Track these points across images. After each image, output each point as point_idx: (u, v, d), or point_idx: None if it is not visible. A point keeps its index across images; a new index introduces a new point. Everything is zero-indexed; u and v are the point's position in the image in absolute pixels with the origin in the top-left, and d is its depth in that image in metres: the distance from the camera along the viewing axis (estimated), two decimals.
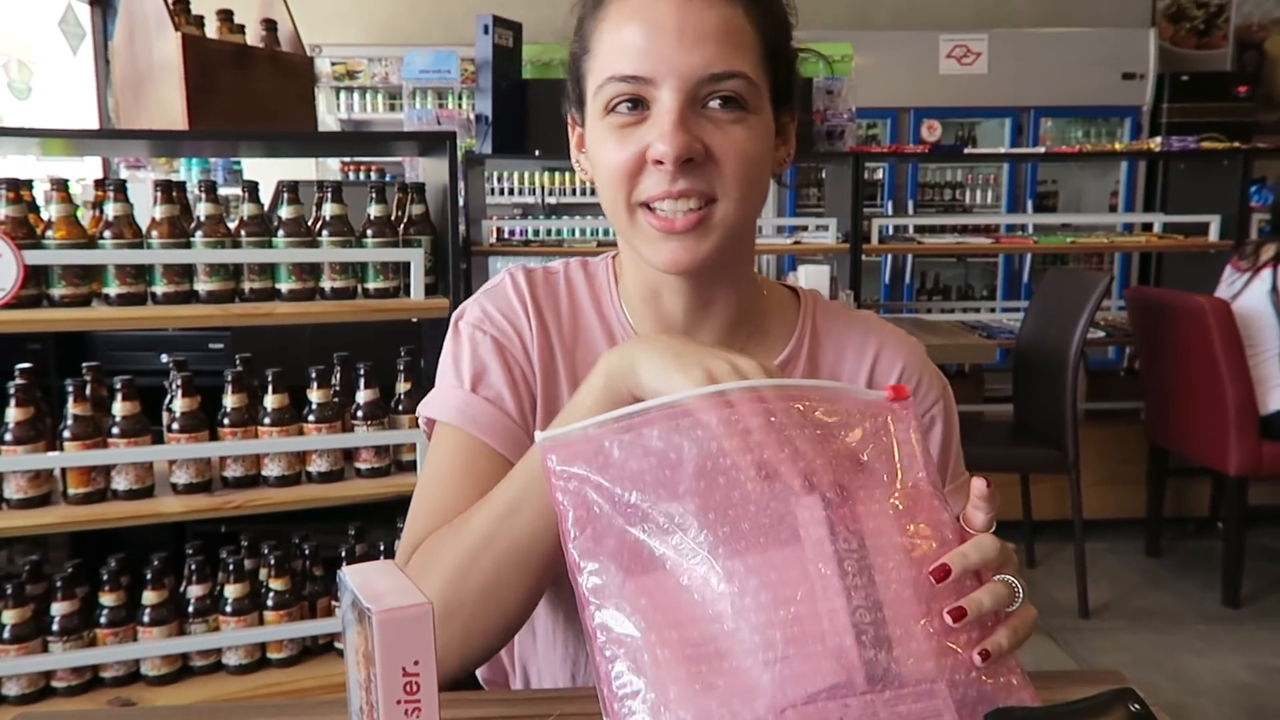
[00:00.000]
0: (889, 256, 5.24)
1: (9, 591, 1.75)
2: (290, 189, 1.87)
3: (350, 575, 0.60)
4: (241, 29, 2.02)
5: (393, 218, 1.98)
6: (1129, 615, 3.06)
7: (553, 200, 5.50)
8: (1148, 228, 3.91)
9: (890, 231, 3.82)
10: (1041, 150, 4.67)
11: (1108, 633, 2.93)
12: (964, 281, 5.90)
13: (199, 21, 1.94)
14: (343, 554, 2.02)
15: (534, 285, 0.90)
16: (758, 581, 0.57)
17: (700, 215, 0.77)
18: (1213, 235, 3.56)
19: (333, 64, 5.30)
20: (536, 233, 4.55)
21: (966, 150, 4.44)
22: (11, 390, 1.73)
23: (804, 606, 0.57)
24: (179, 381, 1.82)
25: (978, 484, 0.65)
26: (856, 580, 0.59)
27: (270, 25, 2.07)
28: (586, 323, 0.90)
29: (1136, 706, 0.58)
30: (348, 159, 5.03)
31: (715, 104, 0.76)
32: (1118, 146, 4.54)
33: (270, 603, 1.89)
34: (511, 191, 5.48)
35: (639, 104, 0.76)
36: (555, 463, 0.61)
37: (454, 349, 0.89)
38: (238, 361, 1.89)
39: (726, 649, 0.56)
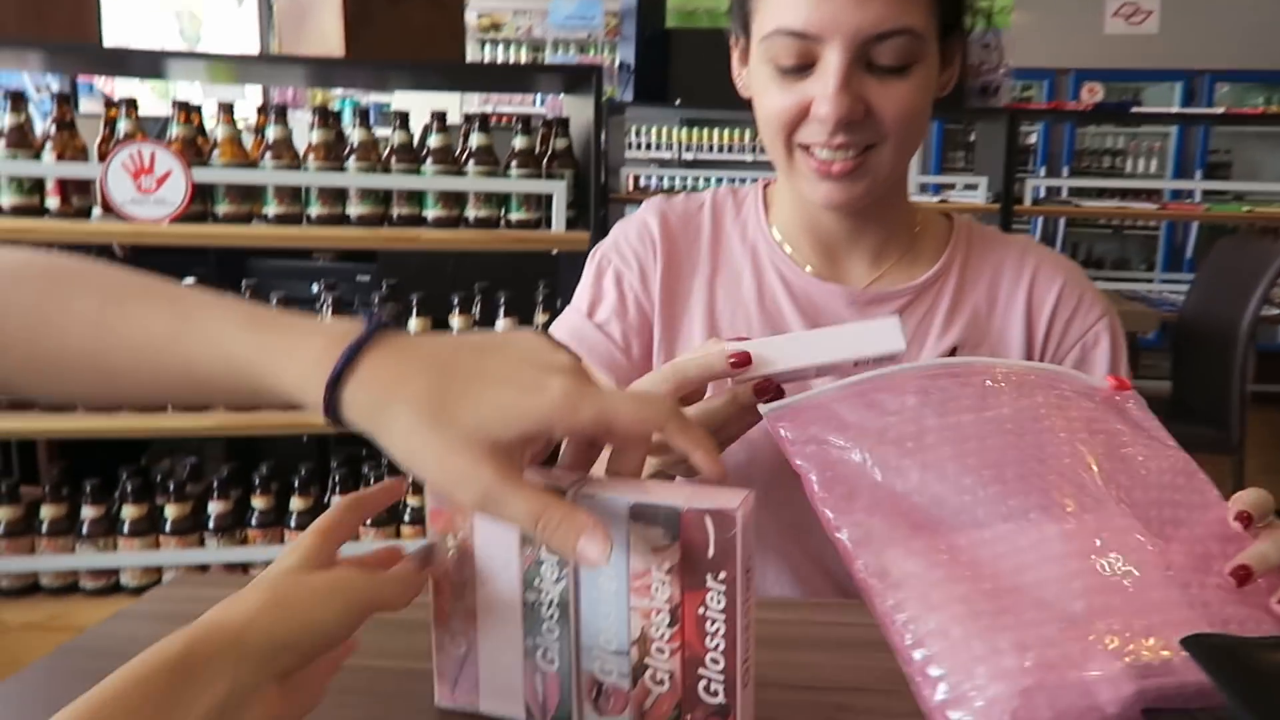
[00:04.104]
0: (1040, 223, 4.98)
1: (171, 489, 1.87)
2: (440, 118, 1.91)
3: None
4: None
5: (536, 151, 1.99)
6: None
7: (689, 156, 5.45)
8: None
9: (1044, 194, 3.62)
10: (1220, 111, 4.33)
11: None
12: (1120, 255, 5.57)
13: None
14: None
15: (668, 216, 0.93)
16: (1037, 534, 0.52)
17: (857, 162, 0.79)
18: None
19: (479, 16, 5.39)
20: (673, 183, 4.52)
21: (1134, 110, 4.15)
22: None
23: (1089, 562, 0.51)
24: (329, 301, 1.89)
25: None
26: (1130, 539, 0.53)
27: None
28: (729, 249, 0.93)
29: None
30: (490, 108, 5.11)
31: (882, 60, 0.76)
32: None
33: (407, 518, 1.96)
34: (649, 146, 5.46)
35: (803, 58, 0.77)
36: (788, 431, 0.58)
37: (585, 275, 0.95)
38: (384, 286, 1.95)
39: (1012, 592, 0.50)
